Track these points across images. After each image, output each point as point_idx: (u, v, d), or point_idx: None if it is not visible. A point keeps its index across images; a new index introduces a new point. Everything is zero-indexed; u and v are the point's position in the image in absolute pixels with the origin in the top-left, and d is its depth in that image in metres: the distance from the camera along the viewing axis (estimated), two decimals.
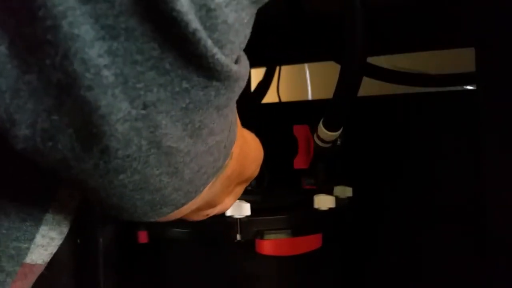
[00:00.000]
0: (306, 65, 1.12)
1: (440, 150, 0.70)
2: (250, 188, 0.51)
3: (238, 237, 0.55)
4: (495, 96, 0.54)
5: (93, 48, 0.19)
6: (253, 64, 1.03)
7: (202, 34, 0.19)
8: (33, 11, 0.18)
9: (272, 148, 0.52)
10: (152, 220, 0.29)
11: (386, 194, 0.73)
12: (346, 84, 0.55)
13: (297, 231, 0.56)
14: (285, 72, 0.97)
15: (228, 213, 0.55)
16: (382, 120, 0.75)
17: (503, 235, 0.54)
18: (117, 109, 0.20)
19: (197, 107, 0.22)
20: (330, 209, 0.59)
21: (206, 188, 0.30)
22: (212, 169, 0.28)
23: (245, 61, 0.25)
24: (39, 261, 0.31)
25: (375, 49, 0.75)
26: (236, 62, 0.23)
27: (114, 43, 0.19)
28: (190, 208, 0.33)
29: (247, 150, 0.38)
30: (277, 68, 0.93)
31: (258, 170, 0.44)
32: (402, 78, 0.75)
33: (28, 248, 0.29)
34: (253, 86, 0.99)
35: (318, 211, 0.59)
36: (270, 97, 0.96)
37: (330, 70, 0.71)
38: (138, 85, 0.20)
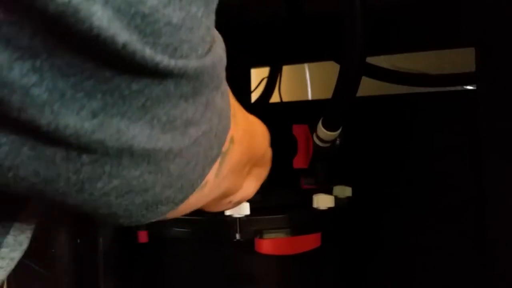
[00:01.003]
0: (306, 65, 1.13)
1: (440, 150, 0.70)
2: None
3: (238, 236, 0.55)
4: (495, 96, 0.54)
5: (13, 70, 0.17)
6: (254, 64, 1.04)
7: (136, 45, 0.18)
8: None
9: (272, 147, 0.52)
10: (154, 220, 0.28)
11: (385, 193, 0.73)
12: (346, 84, 0.55)
13: (296, 230, 0.56)
14: (285, 72, 0.97)
15: (228, 212, 0.56)
16: (382, 120, 0.75)
17: (503, 235, 0.54)
18: (64, 126, 0.19)
19: (156, 102, 0.20)
20: (329, 208, 0.59)
21: (212, 178, 0.29)
22: (206, 160, 0.27)
23: (218, 46, 0.23)
24: None
25: (375, 49, 0.75)
26: (209, 50, 0.22)
27: (36, 61, 0.17)
28: (202, 201, 0.32)
29: (251, 129, 0.37)
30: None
31: (269, 149, 0.43)
32: (402, 78, 0.75)
33: None
34: (253, 86, 1.00)
35: (317, 210, 0.59)
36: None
37: (330, 70, 0.71)
38: (78, 95, 0.18)
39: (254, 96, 0.97)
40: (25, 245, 0.29)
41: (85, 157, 0.20)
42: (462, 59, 0.71)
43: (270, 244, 0.55)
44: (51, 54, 0.17)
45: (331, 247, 0.61)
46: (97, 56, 0.18)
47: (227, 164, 0.31)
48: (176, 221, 0.59)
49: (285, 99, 0.97)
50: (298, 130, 0.62)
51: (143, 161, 0.22)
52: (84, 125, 0.19)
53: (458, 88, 0.78)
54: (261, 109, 0.84)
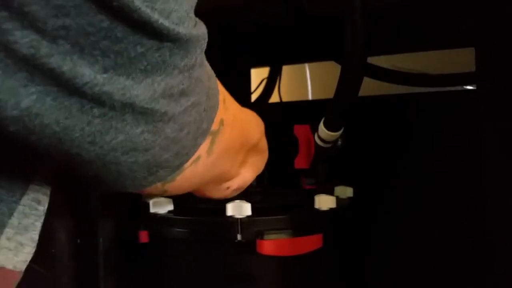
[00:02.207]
0: (306, 65, 1.13)
1: (440, 150, 0.70)
2: (250, 188, 0.52)
3: (239, 237, 0.55)
4: (495, 96, 0.54)
5: (47, 23, 0.21)
6: (254, 64, 1.04)
7: (137, 3, 0.22)
8: None
9: (273, 148, 0.52)
10: (156, 185, 0.31)
11: (386, 194, 0.73)
12: (347, 84, 0.55)
13: (297, 231, 0.56)
14: (286, 72, 0.97)
15: (229, 213, 0.56)
16: (382, 120, 0.75)
17: (503, 235, 0.54)
18: (81, 74, 0.23)
19: (155, 68, 0.25)
20: (331, 209, 0.59)
21: (204, 154, 0.34)
22: (196, 131, 0.31)
23: (199, 27, 0.27)
24: (8, 266, 0.31)
25: (375, 49, 0.75)
26: (194, 26, 0.26)
27: (66, 19, 0.21)
28: (197, 178, 0.35)
29: (243, 117, 0.41)
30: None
31: (264, 138, 0.47)
32: (402, 78, 0.75)
33: None
34: (253, 86, 1.00)
35: (318, 211, 0.59)
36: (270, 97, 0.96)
37: (330, 70, 0.71)
38: (95, 53, 0.23)
39: (254, 97, 0.97)
40: (33, 234, 0.31)
41: (95, 110, 0.24)
42: (462, 59, 0.71)
43: (271, 245, 0.55)
44: (77, 13, 0.21)
45: (332, 248, 0.61)
46: (111, 15, 0.22)
47: (218, 143, 0.35)
48: (177, 222, 0.59)
49: (285, 99, 0.97)
50: (300, 130, 0.62)
51: (142, 119, 0.26)
52: (96, 77, 0.23)
53: (458, 88, 0.78)
54: (261, 109, 0.84)
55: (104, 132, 0.25)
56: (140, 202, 0.65)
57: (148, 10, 0.23)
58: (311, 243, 0.57)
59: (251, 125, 0.44)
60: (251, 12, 0.80)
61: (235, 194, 0.48)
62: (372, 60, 0.73)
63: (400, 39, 0.78)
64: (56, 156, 0.26)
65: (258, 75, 1.01)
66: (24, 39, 0.21)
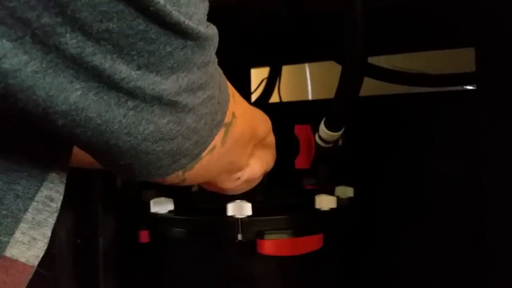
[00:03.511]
0: (306, 65, 1.13)
1: (440, 150, 0.70)
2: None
3: (239, 237, 0.55)
4: (495, 96, 0.54)
5: (93, 27, 0.24)
6: (254, 64, 1.03)
7: (168, 7, 0.25)
8: None
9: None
10: (177, 174, 0.35)
11: (387, 194, 0.73)
12: (348, 85, 0.55)
13: (298, 231, 0.56)
14: (286, 72, 0.97)
15: (229, 212, 0.56)
16: (382, 120, 0.75)
17: (503, 235, 0.54)
18: (119, 71, 0.26)
19: (180, 65, 0.28)
20: (332, 209, 0.59)
21: (218, 144, 0.38)
22: (212, 122, 0.35)
23: (212, 27, 0.31)
24: (22, 259, 0.32)
25: (375, 49, 0.75)
26: (208, 26, 0.30)
27: (110, 23, 0.24)
28: (212, 166, 0.39)
29: (251, 111, 0.45)
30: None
31: (271, 134, 0.51)
32: (402, 78, 0.75)
33: (7, 242, 0.31)
34: (253, 86, 1.00)
35: (319, 211, 0.59)
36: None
37: (330, 70, 0.71)
38: (132, 52, 0.26)
39: (254, 97, 0.97)
40: (45, 230, 0.33)
41: (129, 103, 0.27)
42: (462, 59, 0.71)
43: (272, 245, 0.55)
44: (120, 18, 0.24)
45: (333, 248, 0.61)
46: (148, 19, 0.25)
47: (231, 134, 0.39)
48: (178, 221, 0.59)
49: (285, 99, 0.97)
50: (300, 130, 0.62)
51: (167, 110, 0.29)
52: (131, 73, 0.26)
53: (458, 88, 0.78)
54: (261, 109, 0.84)
55: (137, 123, 0.28)
56: (140, 202, 0.65)
57: (176, 13, 0.26)
58: (312, 243, 0.57)
59: (258, 119, 0.48)
60: (251, 12, 0.80)
61: (246, 187, 0.50)
62: (372, 60, 0.73)
63: (400, 39, 0.78)
64: (94, 147, 0.29)
65: (258, 75, 1.01)
66: (72, 41, 0.24)
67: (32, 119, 0.26)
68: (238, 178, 0.47)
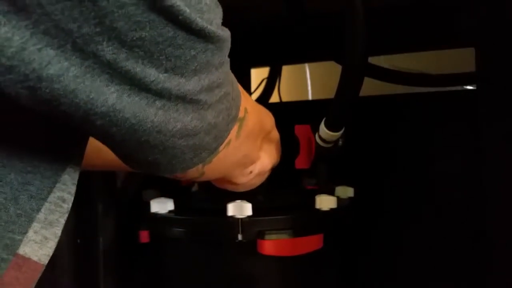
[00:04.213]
0: (306, 65, 1.13)
1: (440, 150, 0.70)
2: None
3: (240, 237, 0.55)
4: (495, 96, 0.54)
5: (127, 36, 0.26)
6: (254, 64, 1.03)
7: (193, 15, 0.27)
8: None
9: None
10: (197, 167, 0.38)
11: (387, 194, 0.73)
12: (348, 85, 0.55)
13: (298, 231, 0.56)
14: (286, 72, 0.97)
15: (230, 213, 0.56)
16: (382, 120, 0.75)
17: (503, 235, 0.54)
18: (148, 74, 0.28)
19: (202, 67, 0.30)
20: (332, 209, 0.59)
21: (233, 138, 0.40)
22: (228, 117, 0.37)
23: (226, 30, 0.32)
24: (34, 257, 0.33)
25: (375, 49, 0.75)
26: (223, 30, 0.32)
27: (142, 32, 0.26)
28: (228, 160, 0.42)
29: (257, 107, 0.48)
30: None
31: (275, 129, 0.53)
32: (402, 78, 0.75)
33: (21, 240, 0.32)
34: (254, 86, 1.00)
35: (319, 211, 0.59)
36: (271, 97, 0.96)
37: (330, 70, 0.71)
38: (161, 57, 0.28)
39: (254, 97, 0.97)
40: (56, 229, 0.34)
41: (157, 102, 0.29)
42: (462, 59, 0.71)
43: (272, 245, 0.55)
44: (152, 26, 0.26)
45: (333, 248, 0.61)
46: (176, 27, 0.27)
47: (244, 128, 0.42)
48: (178, 221, 0.59)
49: (285, 99, 0.97)
50: (300, 131, 0.62)
51: (190, 108, 0.31)
52: (159, 76, 0.28)
53: (458, 88, 0.78)
54: None
55: (166, 122, 0.31)
56: (140, 202, 0.65)
57: (200, 20, 0.28)
58: (312, 243, 0.57)
59: (264, 114, 0.51)
60: (251, 12, 0.80)
61: (257, 181, 0.53)
62: (372, 60, 0.73)
63: (400, 39, 0.78)
64: (127, 144, 0.31)
65: (258, 75, 1.01)
66: (108, 48, 0.26)
67: (70, 121, 0.28)
68: (251, 172, 0.50)
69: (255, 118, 0.45)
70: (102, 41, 0.26)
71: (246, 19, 0.83)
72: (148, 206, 0.62)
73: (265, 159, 0.52)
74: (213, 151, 0.38)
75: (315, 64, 1.09)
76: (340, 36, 0.54)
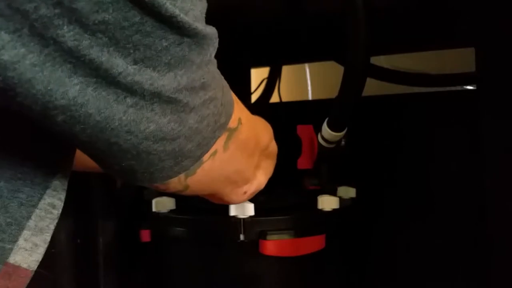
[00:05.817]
0: (306, 65, 1.13)
1: (440, 150, 0.70)
2: None
3: (242, 237, 0.55)
4: (495, 96, 0.54)
5: (89, 19, 0.24)
6: (254, 64, 1.03)
7: (165, 3, 0.25)
8: None
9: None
10: (179, 177, 0.34)
11: (389, 194, 0.73)
12: (351, 85, 0.55)
13: (300, 232, 0.56)
14: (286, 72, 0.97)
15: (232, 213, 0.56)
16: (383, 120, 0.75)
17: (503, 235, 0.54)
18: (116, 64, 0.25)
19: (177, 62, 0.28)
20: (334, 210, 0.59)
21: (220, 148, 0.37)
22: (214, 124, 0.34)
23: (211, 28, 0.30)
24: (24, 265, 0.32)
25: (375, 49, 0.75)
26: (206, 26, 0.29)
27: (105, 14, 0.24)
28: (215, 173, 0.38)
29: (254, 119, 0.44)
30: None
31: (274, 142, 0.49)
32: (402, 78, 0.75)
33: (11, 249, 0.31)
34: (254, 86, 1.00)
35: (321, 212, 0.59)
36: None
37: (330, 70, 0.72)
38: (128, 46, 0.25)
39: (254, 97, 0.97)
40: (46, 236, 0.33)
41: (128, 100, 0.27)
42: (462, 59, 0.71)
43: (274, 245, 0.55)
44: (115, 8, 0.24)
45: (335, 249, 0.61)
46: (143, 11, 0.25)
47: (234, 140, 0.38)
48: (180, 221, 0.59)
49: (285, 99, 0.97)
50: (303, 131, 0.62)
51: (168, 108, 0.29)
52: (128, 67, 0.26)
53: (458, 88, 0.79)
54: (262, 109, 0.84)
55: (138, 122, 0.28)
56: (142, 201, 0.65)
57: (171, 6, 0.26)
58: (314, 243, 0.58)
59: (262, 127, 0.46)
60: (251, 12, 0.80)
61: (251, 197, 0.48)
62: (372, 60, 0.73)
63: (400, 39, 0.78)
64: (95, 146, 0.29)
65: (258, 75, 1.01)
66: (69, 33, 0.24)
67: (32, 116, 0.26)
68: (245, 193, 0.46)
69: (250, 132, 0.41)
70: (62, 24, 0.23)
71: (246, 19, 0.83)
72: (149, 205, 0.62)
73: (262, 178, 0.47)
74: (197, 159, 0.34)
75: (315, 64, 1.09)
76: (340, 36, 0.54)
